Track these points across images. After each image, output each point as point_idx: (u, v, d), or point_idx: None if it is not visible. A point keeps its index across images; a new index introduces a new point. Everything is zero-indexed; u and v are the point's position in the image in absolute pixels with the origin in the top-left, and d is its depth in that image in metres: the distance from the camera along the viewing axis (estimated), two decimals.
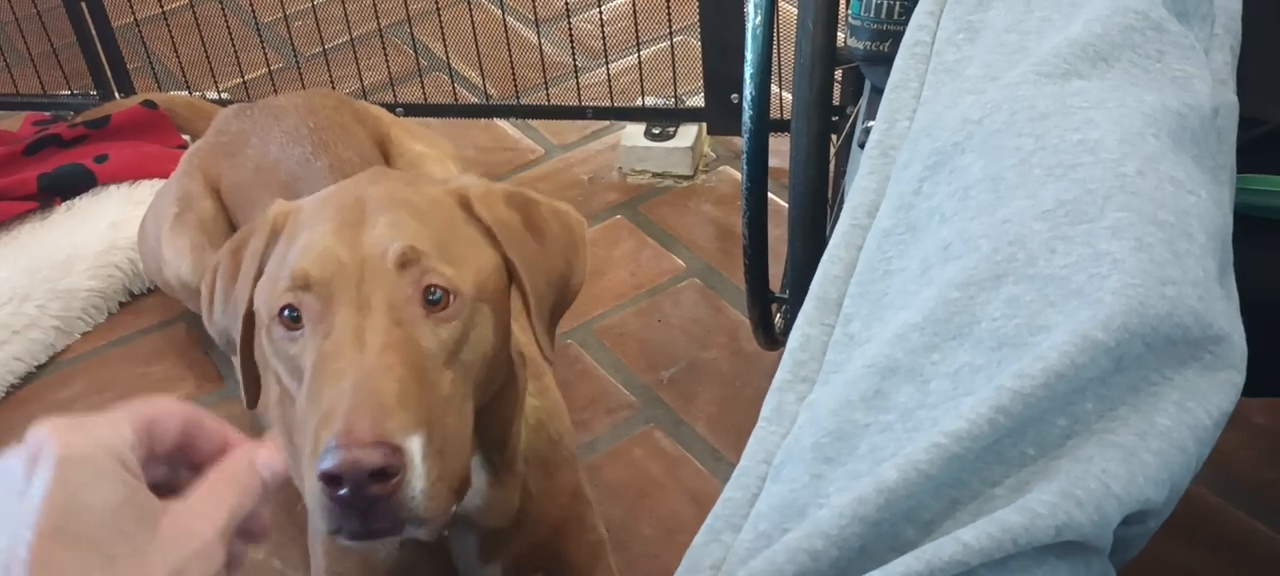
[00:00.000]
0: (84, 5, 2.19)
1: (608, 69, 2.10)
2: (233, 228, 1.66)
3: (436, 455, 0.93)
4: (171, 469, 0.66)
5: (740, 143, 1.35)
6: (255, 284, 1.05)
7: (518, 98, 2.19)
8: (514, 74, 2.15)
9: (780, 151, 1.37)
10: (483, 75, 2.26)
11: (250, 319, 1.07)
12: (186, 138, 2.12)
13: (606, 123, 2.17)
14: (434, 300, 0.98)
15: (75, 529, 0.58)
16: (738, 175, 2.02)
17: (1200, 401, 0.67)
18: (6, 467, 0.60)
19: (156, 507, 0.61)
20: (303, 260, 0.98)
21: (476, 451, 1.10)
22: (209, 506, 0.63)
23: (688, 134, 2.04)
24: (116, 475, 0.60)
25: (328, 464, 0.87)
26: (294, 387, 1.00)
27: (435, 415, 0.95)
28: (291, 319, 0.98)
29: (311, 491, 0.91)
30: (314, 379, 0.94)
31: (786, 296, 1.46)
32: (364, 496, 0.88)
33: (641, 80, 2.11)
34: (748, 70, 1.30)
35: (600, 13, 2.18)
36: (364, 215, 1.01)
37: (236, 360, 1.12)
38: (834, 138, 1.65)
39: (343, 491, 0.88)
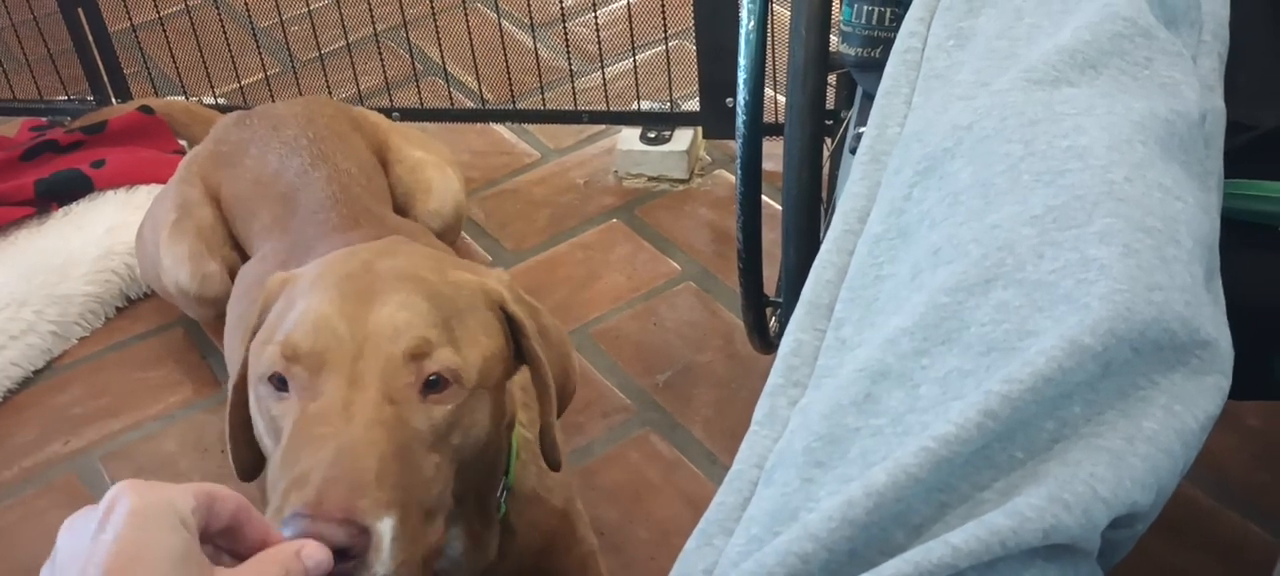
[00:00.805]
0: (81, 10, 2.19)
1: (603, 73, 2.11)
2: (231, 236, 1.66)
3: (408, 539, 0.90)
4: (215, 550, 0.74)
5: (735, 146, 1.36)
6: (247, 351, 1.02)
7: (514, 102, 2.20)
8: (510, 78, 2.15)
9: (774, 155, 1.38)
10: (479, 80, 2.27)
11: (241, 385, 1.04)
12: (184, 143, 2.12)
13: (602, 127, 2.17)
14: (433, 383, 0.95)
15: (140, 570, 0.66)
16: (732, 178, 2.02)
17: (1187, 405, 0.68)
18: (84, 517, 0.70)
19: (209, 568, 0.70)
20: (295, 331, 0.95)
21: (457, 521, 1.08)
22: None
23: (683, 138, 2.04)
24: (180, 531, 0.69)
25: (290, 531, 0.83)
26: (271, 447, 0.97)
27: (413, 497, 0.92)
28: (280, 382, 0.95)
29: None
30: (293, 439, 0.91)
31: (781, 300, 1.47)
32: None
33: (637, 84, 2.12)
34: (741, 75, 1.31)
35: (596, 17, 2.19)
36: (371, 288, 0.97)
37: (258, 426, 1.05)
38: (828, 142, 1.65)
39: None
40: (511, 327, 1.07)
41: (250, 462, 1.09)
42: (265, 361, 0.96)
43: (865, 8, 1.15)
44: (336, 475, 0.87)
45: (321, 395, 0.92)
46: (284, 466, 0.91)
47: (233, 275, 1.62)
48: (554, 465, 1.13)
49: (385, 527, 0.87)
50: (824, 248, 0.82)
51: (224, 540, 0.74)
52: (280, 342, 0.95)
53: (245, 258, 1.63)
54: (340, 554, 0.84)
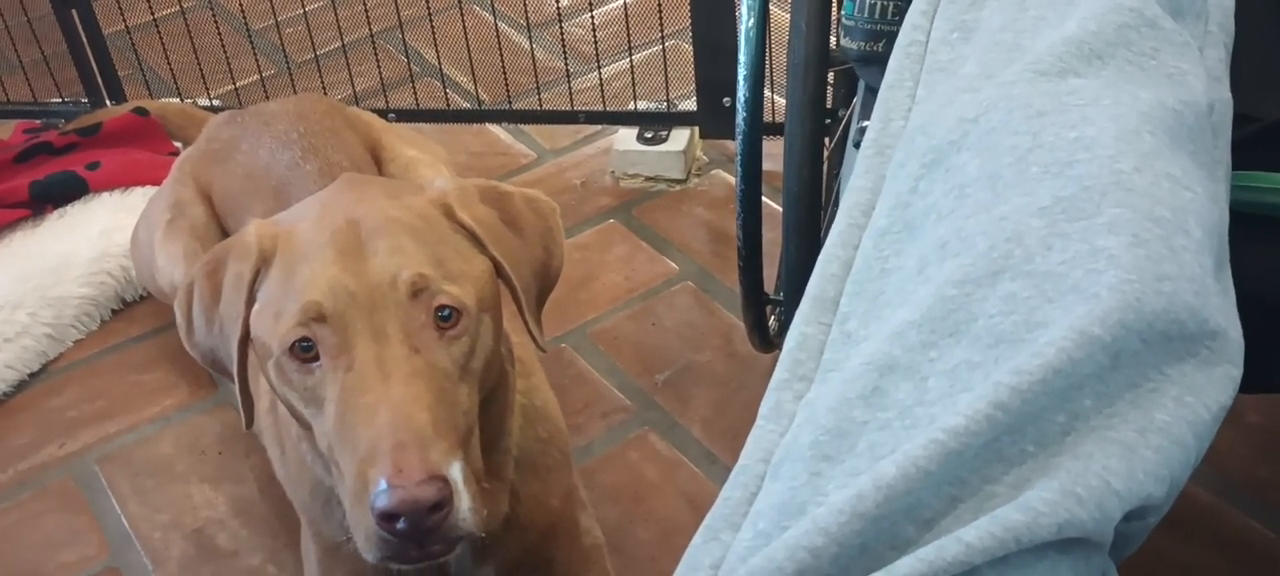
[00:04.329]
0: (75, 13, 2.18)
1: (600, 73, 2.10)
2: (224, 234, 1.66)
3: (470, 471, 0.97)
4: None
5: (732, 146, 1.36)
6: (248, 310, 1.05)
7: (510, 102, 2.19)
8: (506, 79, 2.15)
9: (772, 155, 1.37)
10: (474, 80, 2.26)
11: (244, 343, 1.07)
12: (178, 145, 2.11)
13: (599, 127, 2.17)
14: (444, 318, 1.00)
15: None
16: (730, 178, 2.02)
17: (1198, 396, 0.68)
18: None
19: None
20: (312, 293, 0.99)
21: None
22: None
23: (680, 138, 2.04)
24: None
25: (384, 503, 0.91)
26: (310, 415, 1.02)
27: (461, 431, 0.99)
28: (304, 350, 0.99)
29: (364, 526, 0.95)
30: (344, 414, 0.97)
31: (781, 298, 1.46)
32: (421, 528, 0.93)
33: (634, 84, 2.11)
34: (741, 73, 1.30)
35: (592, 17, 2.18)
36: (361, 240, 1.02)
37: (234, 383, 1.11)
38: (827, 140, 1.65)
39: (401, 525, 0.92)
40: None
41: (253, 411, 1.16)
42: (285, 331, 0.99)
43: (868, 2, 1.15)
44: (402, 438, 0.93)
45: (354, 362, 0.97)
46: (344, 443, 0.96)
47: None
48: (539, 343, 1.17)
49: (457, 471, 0.95)
50: (829, 242, 0.82)
51: None
52: (301, 307, 0.99)
53: None
54: (434, 508, 0.92)
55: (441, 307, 1.00)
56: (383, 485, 0.92)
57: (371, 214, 1.04)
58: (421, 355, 0.98)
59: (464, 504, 0.95)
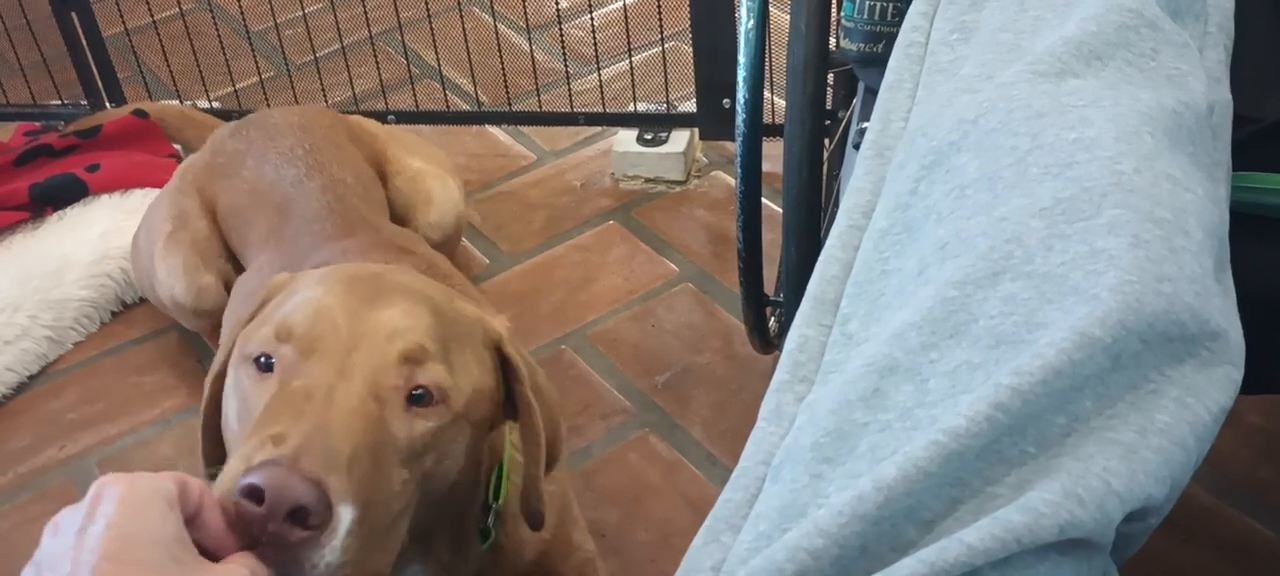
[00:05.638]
0: (74, 15, 2.18)
1: (599, 75, 2.10)
2: (226, 249, 1.66)
3: (360, 542, 0.85)
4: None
5: (732, 148, 1.36)
6: (241, 331, 1.00)
7: (509, 104, 2.19)
8: (505, 81, 2.15)
9: (773, 155, 1.37)
10: (474, 82, 2.26)
11: (221, 376, 1.00)
12: (178, 147, 2.11)
13: (598, 128, 2.17)
14: (418, 397, 0.92)
15: (136, 555, 0.66)
16: (730, 180, 2.02)
17: (1199, 397, 0.68)
18: (69, 515, 0.71)
19: (196, 555, 0.72)
20: (293, 314, 0.93)
21: (420, 559, 1.06)
22: (235, 570, 0.75)
23: (680, 139, 2.04)
24: (170, 515, 0.70)
25: (257, 477, 0.79)
26: (237, 430, 0.94)
27: (376, 502, 0.87)
28: (265, 366, 0.92)
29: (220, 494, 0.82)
30: (271, 406, 0.88)
31: (781, 300, 1.46)
32: (273, 530, 0.80)
33: (633, 86, 2.11)
34: (741, 74, 1.30)
35: (592, 19, 2.18)
36: (378, 293, 0.95)
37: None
38: (826, 142, 1.65)
39: (259, 510, 0.79)
40: (506, 376, 1.04)
41: (216, 457, 1.03)
42: (255, 342, 0.94)
43: (867, 3, 1.15)
44: (312, 446, 0.83)
45: (307, 378, 0.89)
46: (256, 429, 0.86)
47: (228, 288, 1.61)
48: (536, 524, 1.09)
49: (345, 514, 0.83)
50: (829, 243, 0.81)
51: (188, 529, 0.74)
52: (276, 322, 0.93)
53: (240, 270, 1.62)
54: (298, 515, 0.80)
55: (420, 387, 0.92)
56: (270, 458, 0.81)
57: (405, 280, 0.98)
58: (377, 405, 0.90)
59: (330, 553, 0.82)
